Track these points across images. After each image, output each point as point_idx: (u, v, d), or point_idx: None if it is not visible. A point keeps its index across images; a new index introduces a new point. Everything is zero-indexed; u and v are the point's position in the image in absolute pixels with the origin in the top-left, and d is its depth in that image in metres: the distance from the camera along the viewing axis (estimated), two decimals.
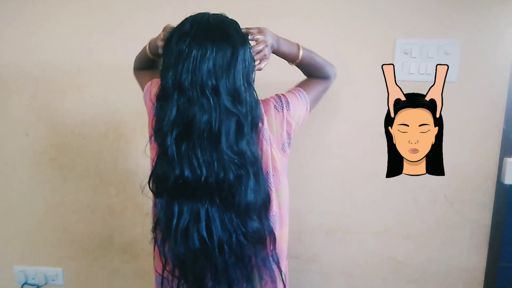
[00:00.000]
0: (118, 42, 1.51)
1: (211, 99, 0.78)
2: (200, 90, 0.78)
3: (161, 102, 0.83)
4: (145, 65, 1.11)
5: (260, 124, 0.90)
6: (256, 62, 0.88)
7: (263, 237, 0.89)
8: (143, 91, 1.08)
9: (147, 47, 1.03)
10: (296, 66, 1.04)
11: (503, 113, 1.41)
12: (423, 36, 1.40)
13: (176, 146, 0.80)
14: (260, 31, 0.89)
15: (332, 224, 1.59)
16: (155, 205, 0.91)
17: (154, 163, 0.87)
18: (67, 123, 1.62)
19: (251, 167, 0.84)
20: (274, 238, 0.92)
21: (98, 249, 1.75)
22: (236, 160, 0.81)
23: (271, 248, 0.92)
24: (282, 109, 0.95)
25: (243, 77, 0.81)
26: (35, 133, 1.65)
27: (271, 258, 0.92)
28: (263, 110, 0.92)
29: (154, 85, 1.01)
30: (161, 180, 0.85)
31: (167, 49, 0.82)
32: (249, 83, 0.83)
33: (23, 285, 1.81)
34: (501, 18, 1.36)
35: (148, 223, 0.97)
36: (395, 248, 1.57)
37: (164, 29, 0.92)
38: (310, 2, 1.43)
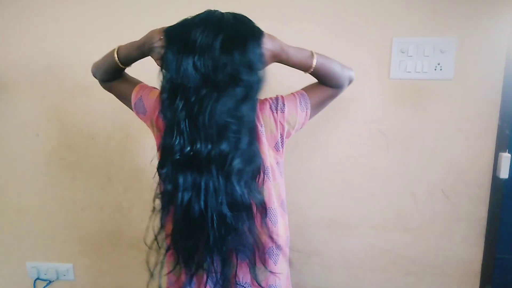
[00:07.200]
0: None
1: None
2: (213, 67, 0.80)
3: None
4: (114, 75, 1.05)
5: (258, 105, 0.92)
6: None
7: (250, 206, 0.89)
8: (128, 100, 1.05)
9: (116, 56, 0.98)
10: (310, 74, 0.99)
11: (498, 109, 1.44)
12: (420, 35, 1.42)
13: (187, 120, 0.82)
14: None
15: (332, 218, 1.62)
16: (159, 175, 0.91)
17: (162, 136, 0.88)
18: (75, 124, 1.67)
19: (246, 132, 0.85)
20: (265, 209, 0.92)
21: (107, 245, 1.79)
22: (233, 126, 0.83)
23: (259, 219, 0.92)
24: (276, 111, 0.97)
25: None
26: (45, 133, 1.69)
27: (256, 229, 0.92)
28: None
29: (144, 91, 1.02)
30: (168, 152, 0.86)
31: (181, 35, 0.82)
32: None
33: (35, 280, 1.86)
34: (496, 16, 1.38)
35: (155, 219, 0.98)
36: (394, 241, 1.60)
37: (153, 32, 0.89)
38: (308, 2, 1.45)
